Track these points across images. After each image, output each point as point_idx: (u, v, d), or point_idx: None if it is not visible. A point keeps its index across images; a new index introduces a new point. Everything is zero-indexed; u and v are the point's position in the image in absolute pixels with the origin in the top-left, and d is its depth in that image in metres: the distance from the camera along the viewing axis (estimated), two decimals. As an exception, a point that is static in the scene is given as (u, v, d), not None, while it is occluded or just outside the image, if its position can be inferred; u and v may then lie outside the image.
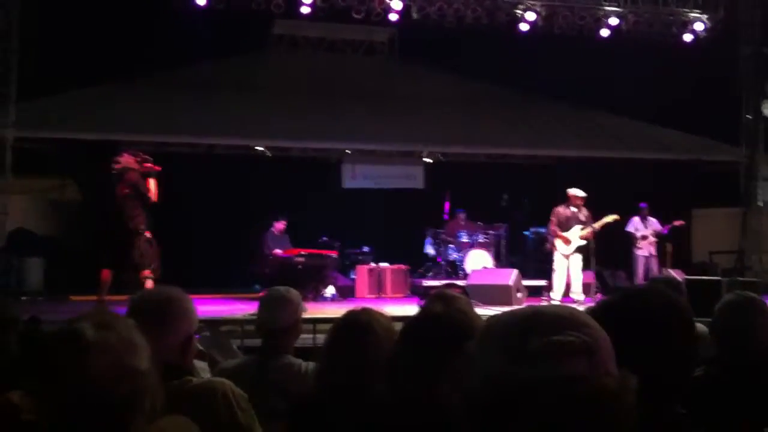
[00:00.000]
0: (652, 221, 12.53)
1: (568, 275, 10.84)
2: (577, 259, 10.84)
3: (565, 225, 10.76)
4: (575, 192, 10.80)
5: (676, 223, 12.49)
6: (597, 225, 10.65)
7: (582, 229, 10.69)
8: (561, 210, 10.84)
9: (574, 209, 10.78)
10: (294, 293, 3.34)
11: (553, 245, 10.92)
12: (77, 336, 1.44)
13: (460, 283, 10.96)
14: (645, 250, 12.44)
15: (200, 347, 3.87)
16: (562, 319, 1.10)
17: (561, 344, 1.06)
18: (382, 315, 2.46)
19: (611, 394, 1.05)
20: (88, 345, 1.42)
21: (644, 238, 12.42)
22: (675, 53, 13.71)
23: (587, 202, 10.90)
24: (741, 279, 10.80)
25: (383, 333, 2.33)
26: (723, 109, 14.43)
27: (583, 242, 10.76)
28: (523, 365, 1.05)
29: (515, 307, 1.25)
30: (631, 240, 12.54)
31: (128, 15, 12.69)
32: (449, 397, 1.49)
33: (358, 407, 2.14)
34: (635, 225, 12.54)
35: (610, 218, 10.69)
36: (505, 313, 1.17)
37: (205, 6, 12.25)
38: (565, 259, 10.80)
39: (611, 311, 1.54)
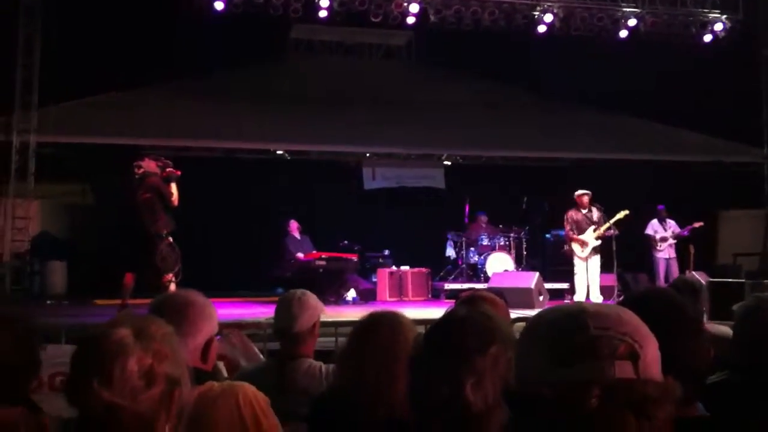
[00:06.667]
0: (671, 223, 12.43)
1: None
2: (596, 261, 10.92)
3: (579, 228, 10.92)
4: (580, 192, 11.01)
5: (696, 224, 12.38)
6: (608, 224, 10.75)
7: (595, 230, 10.81)
8: (573, 214, 11.03)
9: (585, 211, 10.97)
10: (310, 296, 3.28)
11: (571, 249, 11.04)
12: (114, 340, 1.47)
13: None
14: (665, 252, 12.34)
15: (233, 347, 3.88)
16: (608, 319, 1.06)
17: (606, 347, 1.03)
18: (403, 316, 2.45)
19: (652, 400, 1.02)
20: (124, 349, 1.46)
21: (663, 240, 12.32)
22: (694, 54, 13.56)
23: (607, 203, 10.96)
24: (766, 281, 10.63)
25: (406, 332, 2.33)
26: (744, 110, 14.28)
27: (599, 242, 10.86)
28: (565, 366, 1.03)
29: (562, 304, 1.23)
30: (650, 243, 12.45)
31: (147, 21, 12.77)
32: (472, 398, 1.49)
33: (377, 407, 2.15)
34: (654, 227, 12.44)
35: (621, 214, 10.79)
36: (550, 311, 1.13)
37: (223, 11, 12.32)
38: (584, 262, 10.90)
39: None
